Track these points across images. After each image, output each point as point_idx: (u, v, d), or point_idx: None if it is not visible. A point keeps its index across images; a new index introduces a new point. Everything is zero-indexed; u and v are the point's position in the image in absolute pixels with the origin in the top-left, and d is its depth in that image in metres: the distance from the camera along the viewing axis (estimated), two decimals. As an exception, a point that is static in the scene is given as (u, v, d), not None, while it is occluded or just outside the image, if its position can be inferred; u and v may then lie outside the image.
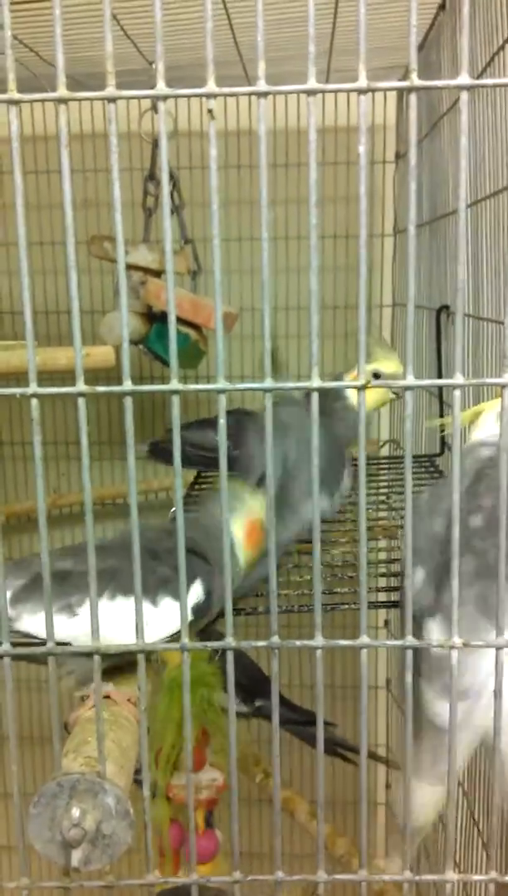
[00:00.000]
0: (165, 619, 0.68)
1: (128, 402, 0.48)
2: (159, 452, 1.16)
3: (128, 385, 0.48)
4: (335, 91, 0.45)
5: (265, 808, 1.38)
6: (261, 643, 0.51)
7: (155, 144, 1.31)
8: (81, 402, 0.48)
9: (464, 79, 0.45)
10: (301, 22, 1.11)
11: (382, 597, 0.93)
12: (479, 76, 0.97)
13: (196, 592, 0.73)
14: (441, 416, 1.17)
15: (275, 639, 0.50)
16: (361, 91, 0.45)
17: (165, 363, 1.35)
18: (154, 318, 1.32)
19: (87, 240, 1.37)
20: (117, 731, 0.61)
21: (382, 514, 1.08)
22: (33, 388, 0.48)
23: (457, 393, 0.47)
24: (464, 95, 0.45)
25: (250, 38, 1.18)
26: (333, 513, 1.02)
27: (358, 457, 0.48)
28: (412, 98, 0.45)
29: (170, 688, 0.93)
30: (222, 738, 0.97)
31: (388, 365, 0.99)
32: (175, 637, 0.62)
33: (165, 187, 0.48)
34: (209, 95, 0.45)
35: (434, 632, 0.66)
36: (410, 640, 0.50)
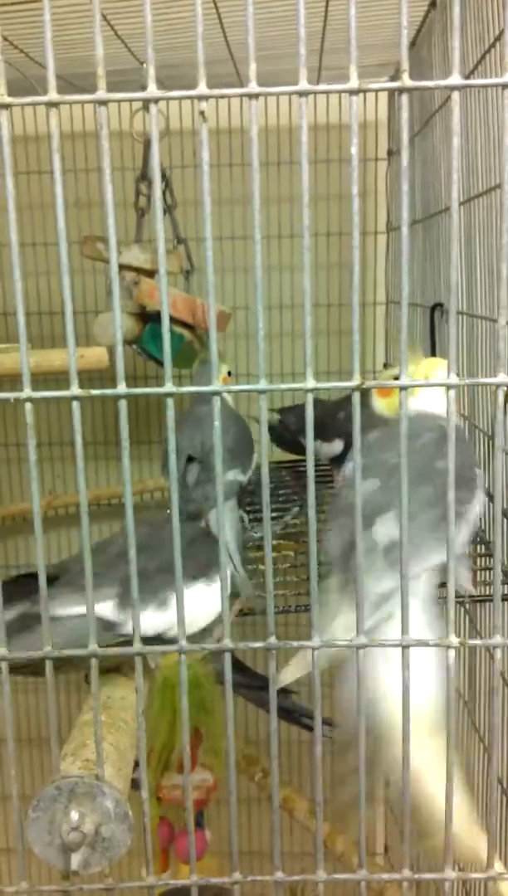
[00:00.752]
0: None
1: (122, 405, 0.48)
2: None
3: (122, 388, 0.48)
4: (327, 92, 0.45)
5: (264, 807, 1.38)
6: (258, 644, 0.51)
7: (146, 144, 1.30)
8: (76, 405, 0.48)
9: (455, 79, 0.45)
10: (291, 20, 1.11)
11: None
12: (470, 73, 0.97)
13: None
14: None
15: (272, 640, 0.50)
16: (352, 92, 0.45)
17: (159, 363, 1.35)
18: (148, 319, 1.32)
19: (79, 240, 1.36)
20: (115, 733, 0.61)
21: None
22: (27, 392, 0.48)
23: (452, 393, 0.47)
24: (455, 96, 0.45)
25: (240, 36, 1.17)
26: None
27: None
28: (404, 99, 0.45)
29: (162, 688, 0.93)
30: (215, 739, 0.97)
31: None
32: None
33: (157, 189, 0.48)
34: (201, 97, 0.45)
35: (381, 528, 0.69)
36: (407, 639, 0.50)
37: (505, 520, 0.47)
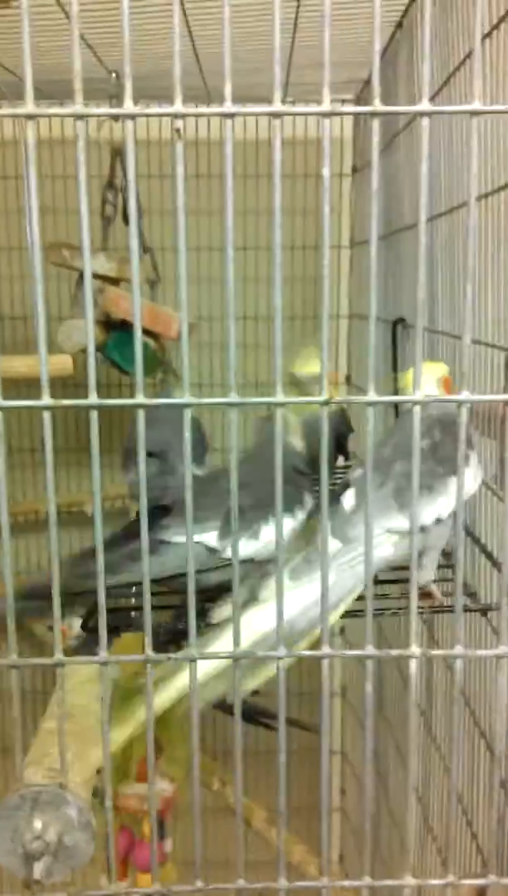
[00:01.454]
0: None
1: (94, 415, 0.48)
2: None
3: (94, 399, 0.48)
4: (300, 114, 0.46)
5: (221, 817, 1.39)
6: (224, 655, 0.52)
7: (113, 153, 1.31)
8: (47, 415, 0.48)
9: (424, 105, 0.46)
10: (262, 35, 1.12)
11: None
12: (435, 95, 0.99)
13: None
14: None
15: (239, 650, 0.51)
16: (324, 114, 0.46)
17: (123, 371, 1.35)
18: (112, 327, 1.32)
19: (45, 247, 1.36)
20: (79, 742, 0.61)
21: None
22: (-2, 401, 0.48)
23: (417, 409, 0.48)
24: (425, 122, 0.46)
25: (209, 49, 1.19)
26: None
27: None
28: (376, 123, 0.46)
29: (122, 697, 0.93)
30: (174, 748, 0.97)
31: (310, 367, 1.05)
32: None
33: (133, 202, 0.48)
34: (177, 115, 0.46)
35: (347, 496, 0.77)
36: (370, 649, 0.51)
37: (466, 533, 0.49)
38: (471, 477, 0.78)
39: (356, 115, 0.48)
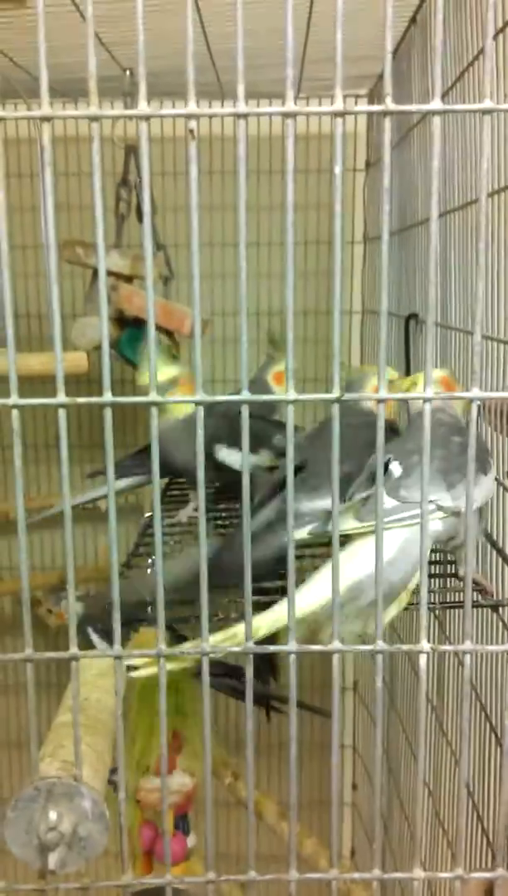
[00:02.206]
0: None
1: (108, 413, 0.49)
2: None
3: (108, 397, 0.49)
4: (313, 114, 0.47)
5: (234, 811, 1.39)
6: (236, 648, 0.52)
7: (128, 150, 1.31)
8: (62, 413, 0.49)
9: (436, 104, 0.46)
10: (274, 32, 1.12)
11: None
12: (448, 91, 0.99)
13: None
14: None
15: (250, 644, 0.51)
16: (337, 114, 0.47)
17: (136, 367, 1.36)
18: (126, 323, 1.33)
19: (59, 244, 1.37)
20: (93, 735, 0.62)
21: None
22: (14, 399, 0.48)
23: (428, 406, 0.49)
24: (437, 121, 0.47)
25: (222, 46, 1.19)
26: None
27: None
28: (387, 123, 0.46)
29: (140, 692, 0.94)
30: (194, 742, 0.98)
31: (391, 373, 1.03)
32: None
33: (147, 202, 0.49)
34: (191, 116, 0.46)
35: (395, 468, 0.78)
36: (381, 645, 0.51)
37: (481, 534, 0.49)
38: (491, 483, 0.80)
39: (369, 114, 0.48)
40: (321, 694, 1.55)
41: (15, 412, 0.49)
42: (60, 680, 1.44)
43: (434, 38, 0.87)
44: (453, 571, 0.92)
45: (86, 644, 1.53)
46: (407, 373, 1.22)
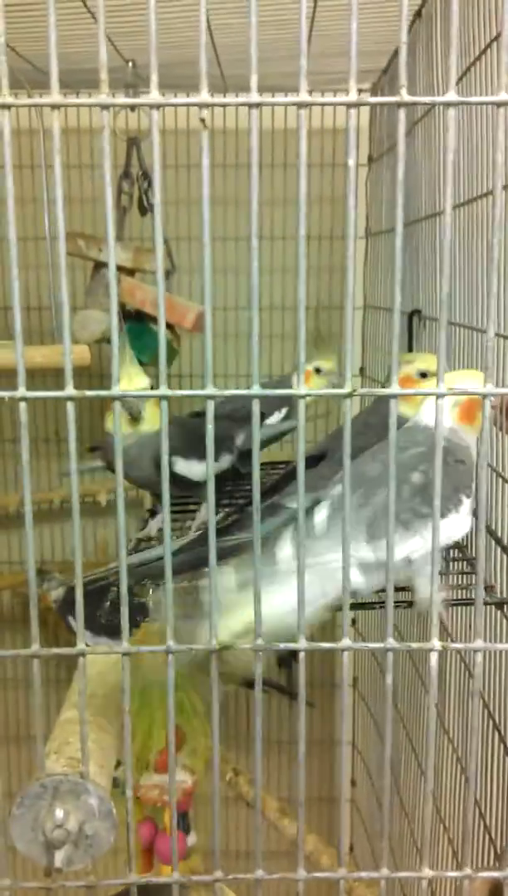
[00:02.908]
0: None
1: (116, 406, 0.48)
2: None
3: (117, 390, 0.48)
4: (326, 104, 0.46)
5: (233, 807, 1.39)
6: (246, 645, 0.52)
7: (130, 143, 1.30)
8: (71, 405, 0.48)
9: (451, 96, 0.46)
10: (279, 24, 1.11)
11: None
12: (456, 84, 0.98)
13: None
14: None
15: (259, 641, 0.51)
16: (351, 104, 0.46)
17: (138, 361, 1.35)
18: (128, 316, 1.32)
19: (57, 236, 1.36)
20: (98, 731, 0.61)
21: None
22: (22, 391, 0.48)
23: (440, 402, 0.48)
24: (452, 112, 0.46)
25: (225, 39, 1.18)
26: None
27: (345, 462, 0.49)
28: (401, 113, 0.46)
29: (142, 689, 0.94)
30: (195, 740, 0.97)
31: (431, 363, 0.97)
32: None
33: (158, 191, 0.48)
34: (203, 105, 0.45)
35: (318, 514, 0.73)
36: (391, 642, 0.51)
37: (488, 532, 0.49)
38: (458, 522, 0.73)
39: (383, 105, 0.48)
40: (321, 690, 1.55)
41: (23, 405, 0.48)
42: (59, 675, 1.43)
43: (447, 28, 0.86)
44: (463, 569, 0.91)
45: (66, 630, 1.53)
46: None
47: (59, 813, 0.50)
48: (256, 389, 0.48)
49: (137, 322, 1.31)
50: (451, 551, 0.98)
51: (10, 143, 0.46)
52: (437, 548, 0.51)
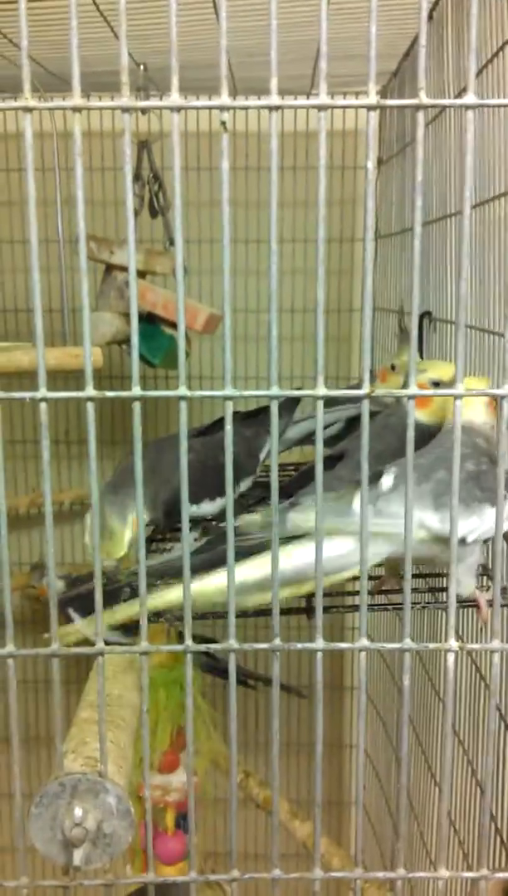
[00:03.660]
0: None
1: (136, 406, 0.49)
2: None
3: (137, 391, 0.48)
4: (347, 107, 0.46)
5: (242, 808, 1.39)
6: (263, 645, 0.52)
7: (141, 146, 1.31)
8: (90, 406, 0.48)
9: (470, 98, 0.46)
10: (288, 29, 1.12)
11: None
12: (464, 89, 0.98)
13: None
14: None
15: (277, 641, 0.51)
16: (370, 107, 0.46)
17: (148, 363, 1.36)
18: (139, 319, 1.33)
19: (72, 239, 1.37)
20: (115, 730, 0.61)
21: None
22: (43, 392, 0.48)
23: (458, 403, 0.48)
24: (470, 115, 0.46)
25: (236, 42, 1.18)
26: None
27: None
28: (420, 116, 0.46)
29: (149, 688, 0.94)
30: (198, 740, 0.97)
31: (444, 372, 0.96)
32: None
33: (178, 195, 0.48)
34: (223, 108, 0.46)
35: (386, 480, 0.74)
36: (408, 643, 0.51)
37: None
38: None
39: (403, 107, 0.48)
40: (328, 693, 1.55)
41: (43, 405, 0.48)
42: (70, 676, 1.44)
43: (459, 32, 0.86)
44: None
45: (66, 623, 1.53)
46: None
47: (78, 811, 0.50)
48: (274, 390, 0.49)
49: (148, 324, 1.32)
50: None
51: (31, 146, 0.46)
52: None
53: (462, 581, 0.76)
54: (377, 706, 1.57)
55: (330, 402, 1.10)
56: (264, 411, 1.10)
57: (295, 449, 1.27)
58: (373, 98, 0.46)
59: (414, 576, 0.83)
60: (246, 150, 1.49)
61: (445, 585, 0.89)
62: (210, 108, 0.46)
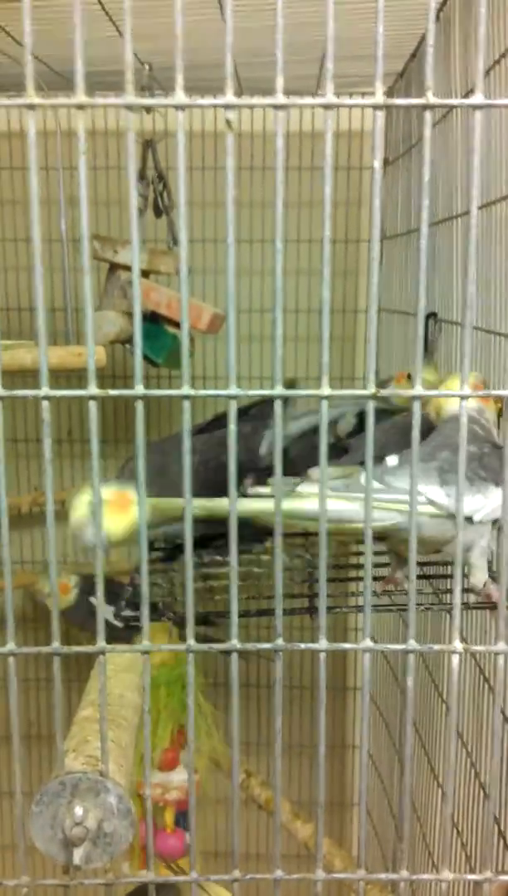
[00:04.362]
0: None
1: (139, 405, 0.49)
2: None
3: (140, 389, 0.48)
4: (353, 106, 0.46)
5: (243, 809, 1.39)
6: (266, 645, 0.52)
7: (145, 145, 1.31)
8: (93, 405, 0.48)
9: (478, 98, 0.46)
10: (296, 29, 1.12)
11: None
12: (472, 89, 0.98)
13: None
14: None
15: (279, 641, 0.51)
16: (377, 107, 0.46)
17: (152, 362, 1.36)
18: (143, 318, 1.33)
19: (75, 238, 1.36)
20: (116, 729, 0.61)
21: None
22: (45, 390, 0.48)
23: (465, 403, 0.48)
24: (478, 115, 0.46)
25: (241, 43, 1.18)
26: None
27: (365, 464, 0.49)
28: (428, 115, 0.46)
29: (151, 686, 0.94)
30: (198, 738, 0.97)
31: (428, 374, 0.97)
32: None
33: (182, 193, 0.48)
34: (228, 106, 0.46)
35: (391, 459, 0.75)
36: (412, 644, 0.51)
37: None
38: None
39: (410, 107, 0.48)
40: (330, 693, 1.54)
41: (45, 403, 0.48)
42: (70, 675, 1.44)
43: (466, 32, 0.86)
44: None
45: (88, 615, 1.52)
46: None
47: (79, 810, 0.50)
48: (279, 390, 0.48)
49: (152, 323, 1.32)
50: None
51: (35, 144, 0.46)
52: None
53: (475, 567, 0.76)
54: (380, 707, 1.57)
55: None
56: (256, 406, 1.09)
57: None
58: (380, 97, 0.46)
59: (419, 577, 0.83)
60: (251, 149, 1.49)
61: (450, 587, 0.88)
62: (215, 106, 0.46)
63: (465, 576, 0.85)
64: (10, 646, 0.50)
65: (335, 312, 1.56)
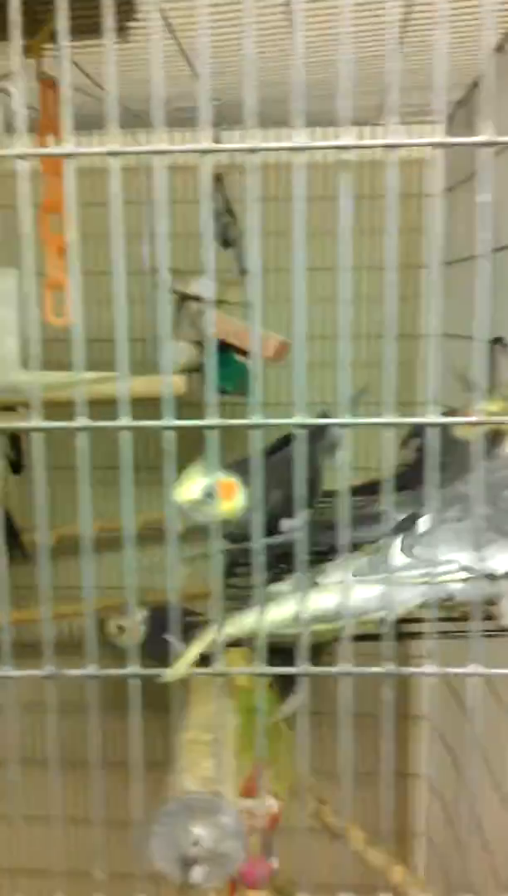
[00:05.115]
0: None
1: (212, 434, 0.50)
2: None
3: (214, 419, 0.50)
4: (413, 145, 0.48)
5: (318, 837, 1.38)
6: (333, 669, 0.53)
7: (215, 178, 1.34)
8: (170, 435, 0.50)
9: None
10: (358, 63, 1.13)
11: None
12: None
13: None
14: None
15: (347, 666, 0.52)
16: (436, 145, 0.48)
17: (222, 391, 1.38)
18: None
19: (141, 271, 1.40)
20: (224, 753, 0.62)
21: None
22: (126, 421, 0.50)
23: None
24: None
25: (313, 76, 1.20)
26: None
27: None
28: (486, 153, 0.47)
29: (241, 713, 0.94)
30: (281, 765, 0.98)
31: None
32: None
33: (257, 231, 0.50)
34: (295, 149, 0.48)
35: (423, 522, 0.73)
36: (429, 668, 0.51)
37: None
38: None
39: (471, 146, 0.49)
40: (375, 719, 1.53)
41: (83, 435, 0.50)
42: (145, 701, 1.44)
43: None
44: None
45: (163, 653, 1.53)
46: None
47: (196, 831, 0.52)
48: (347, 418, 0.50)
49: (221, 352, 1.34)
50: None
51: (119, 192, 0.48)
52: None
53: (505, 611, 0.74)
54: (442, 736, 1.55)
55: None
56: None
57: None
58: (440, 136, 0.47)
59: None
60: (311, 179, 1.50)
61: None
62: (282, 149, 0.48)
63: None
64: (49, 668, 0.52)
65: (400, 338, 1.56)
